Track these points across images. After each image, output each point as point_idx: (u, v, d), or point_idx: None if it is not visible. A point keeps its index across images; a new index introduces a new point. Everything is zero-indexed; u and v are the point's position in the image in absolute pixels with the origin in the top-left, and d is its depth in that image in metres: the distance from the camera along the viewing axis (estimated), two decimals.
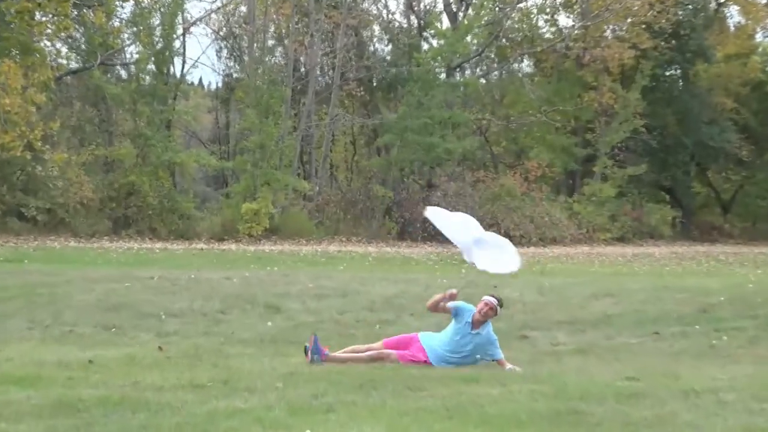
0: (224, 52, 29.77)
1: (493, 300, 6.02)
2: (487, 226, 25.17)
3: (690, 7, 29.18)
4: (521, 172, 28.57)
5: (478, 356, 5.98)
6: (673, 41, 28.15)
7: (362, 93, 29.22)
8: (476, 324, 5.97)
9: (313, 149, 28.24)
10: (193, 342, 6.82)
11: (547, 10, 29.15)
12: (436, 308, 6.08)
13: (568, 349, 7.15)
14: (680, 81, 29.88)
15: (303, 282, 10.98)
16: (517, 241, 25.47)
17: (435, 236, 25.66)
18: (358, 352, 5.99)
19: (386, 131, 26.52)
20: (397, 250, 22.27)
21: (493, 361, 5.99)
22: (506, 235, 25.50)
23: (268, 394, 4.26)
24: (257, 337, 7.26)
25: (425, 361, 5.91)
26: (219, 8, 28.02)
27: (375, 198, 26.34)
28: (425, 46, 27.87)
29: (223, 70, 30.68)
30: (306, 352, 5.85)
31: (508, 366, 5.85)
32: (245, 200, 23.11)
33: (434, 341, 6.05)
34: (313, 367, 5.55)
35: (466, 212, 6.05)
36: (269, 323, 8.03)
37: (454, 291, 6.01)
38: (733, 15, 32.21)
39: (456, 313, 6.06)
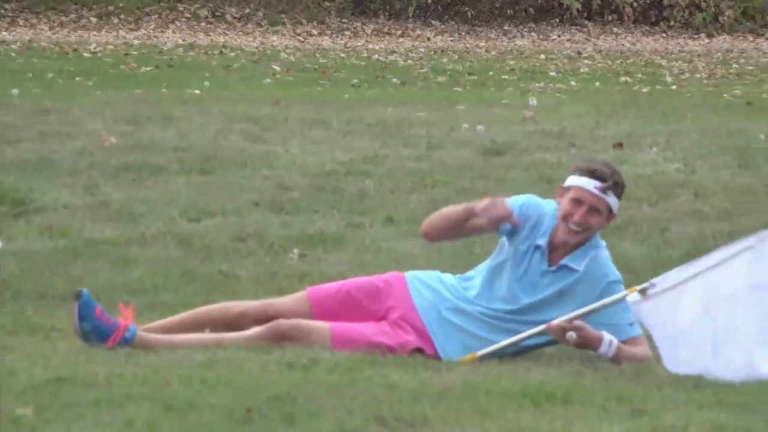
0: None
1: (598, 187, 6.32)
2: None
3: None
4: None
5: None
6: None
7: None
8: (559, 249, 6.40)
9: None
10: None
11: None
12: (453, 231, 6.52)
13: None
14: None
15: (86, 128, 11.69)
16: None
17: (451, 6, 25.90)
18: (228, 315, 6.58)
19: None
20: (353, 44, 22.87)
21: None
22: None
23: None
24: None
25: (416, 347, 6.42)
26: None
27: None
28: None
29: None
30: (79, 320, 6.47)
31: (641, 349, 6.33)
32: None
33: (451, 292, 6.56)
34: (114, 364, 5.90)
35: None
36: None
37: (507, 207, 6.30)
38: None
39: (511, 230, 6.41)
